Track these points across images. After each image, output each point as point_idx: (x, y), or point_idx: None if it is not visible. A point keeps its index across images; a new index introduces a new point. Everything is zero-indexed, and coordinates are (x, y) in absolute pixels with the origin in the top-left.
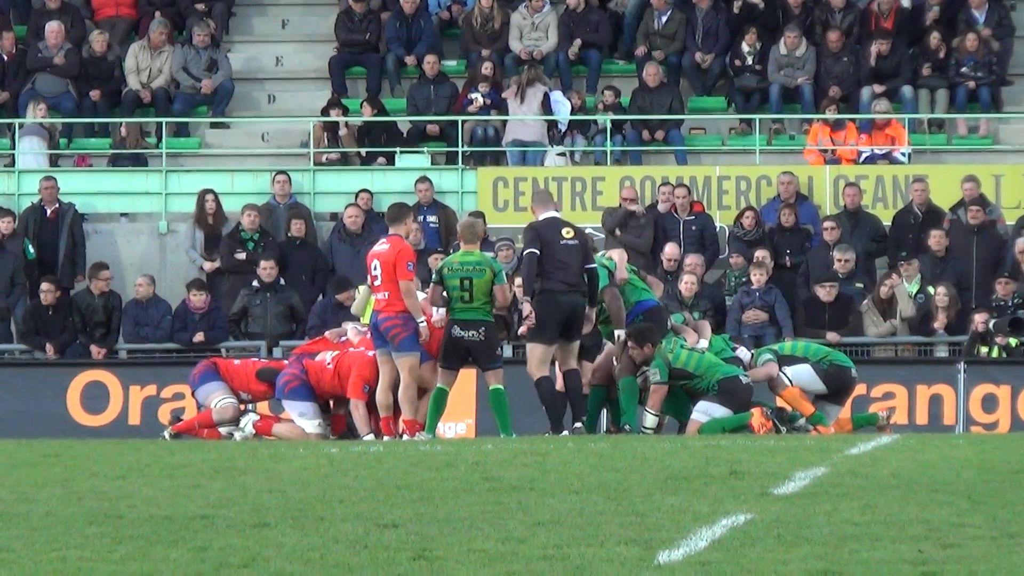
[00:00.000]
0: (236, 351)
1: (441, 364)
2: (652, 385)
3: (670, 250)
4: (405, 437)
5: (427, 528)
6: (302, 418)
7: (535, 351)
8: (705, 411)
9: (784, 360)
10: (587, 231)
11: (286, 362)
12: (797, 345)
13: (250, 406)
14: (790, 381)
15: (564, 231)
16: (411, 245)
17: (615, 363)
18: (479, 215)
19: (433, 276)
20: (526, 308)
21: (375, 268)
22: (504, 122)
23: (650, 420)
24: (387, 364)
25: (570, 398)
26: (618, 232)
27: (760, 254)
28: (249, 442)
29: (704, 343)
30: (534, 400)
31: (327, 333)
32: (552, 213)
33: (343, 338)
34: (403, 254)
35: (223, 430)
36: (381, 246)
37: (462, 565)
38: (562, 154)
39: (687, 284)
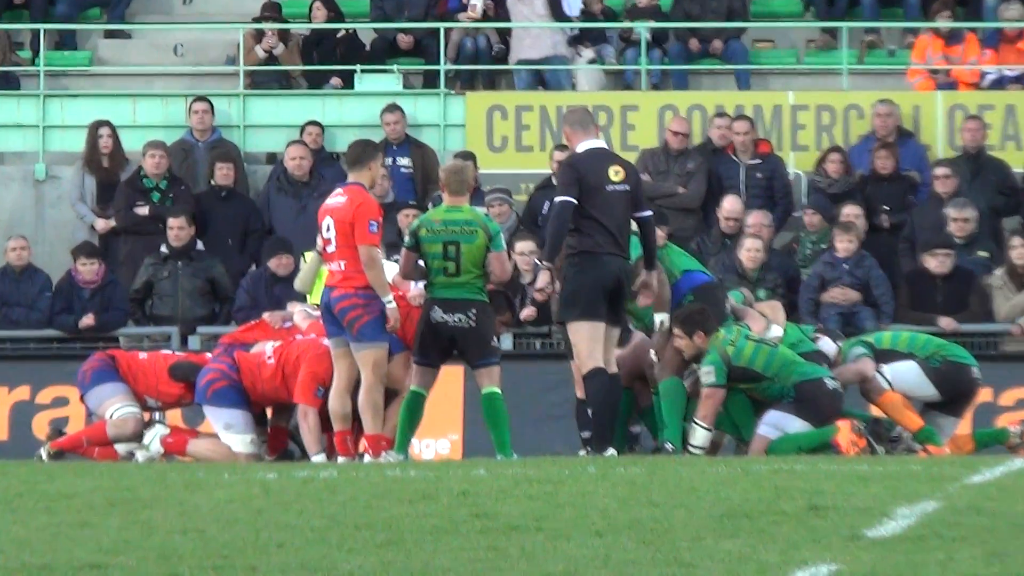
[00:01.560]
0: (138, 340)
1: (416, 359)
2: (704, 389)
3: (729, 205)
4: (367, 458)
5: None
6: (228, 431)
7: (581, 331)
8: (776, 424)
9: (882, 355)
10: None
11: (209, 355)
12: (900, 336)
13: (157, 415)
14: (889, 384)
15: (612, 171)
16: (376, 197)
17: (653, 358)
18: (468, 157)
19: (406, 239)
20: (543, 278)
21: (327, 228)
22: (504, 33)
23: (701, 436)
24: (343, 359)
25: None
26: (646, 177)
27: (849, 211)
28: (156, 464)
29: (777, 331)
30: (542, 408)
31: (266, 316)
32: (595, 142)
33: (288, 323)
34: (364, 209)
35: (121, 448)
36: (336, 198)
37: None
38: (592, 61)
39: (750, 252)
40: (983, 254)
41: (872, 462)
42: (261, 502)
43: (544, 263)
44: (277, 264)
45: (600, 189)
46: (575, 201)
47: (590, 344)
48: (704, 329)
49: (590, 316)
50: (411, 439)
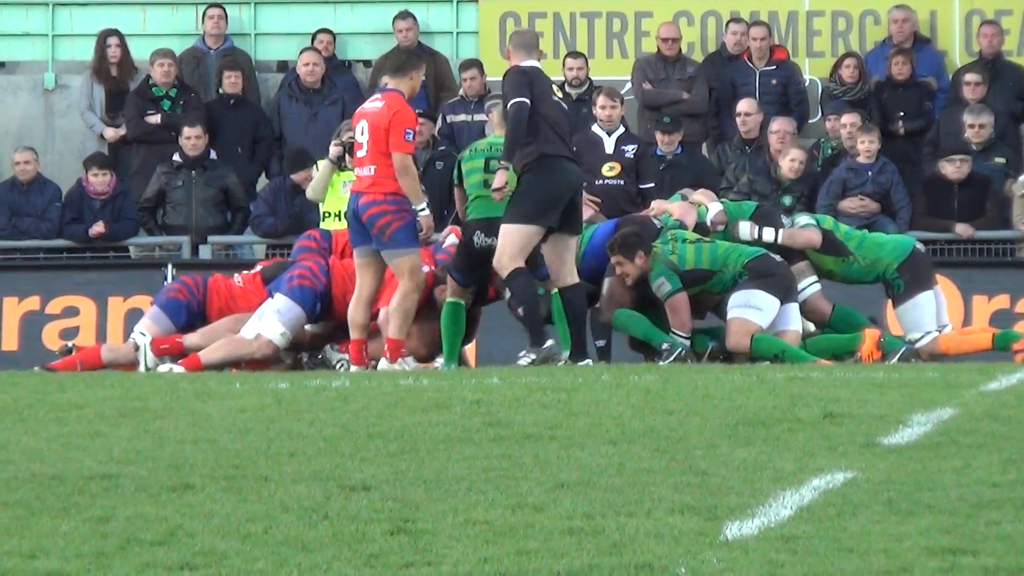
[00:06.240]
0: (150, 249)
1: (458, 278)
2: (666, 302)
3: (745, 107)
4: (384, 362)
5: (409, 492)
6: (275, 315)
7: (518, 234)
8: (745, 303)
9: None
10: (614, 89)
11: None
12: (839, 226)
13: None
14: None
15: (554, 87)
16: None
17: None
18: (475, 65)
19: (454, 177)
20: (500, 178)
21: (361, 132)
22: None
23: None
24: (368, 268)
25: (571, 325)
26: (648, 85)
27: (847, 119)
28: (167, 375)
29: (717, 206)
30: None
31: None
32: (535, 63)
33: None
34: (401, 117)
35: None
36: (373, 103)
37: (457, 541)
38: None
39: (794, 162)
40: (1000, 160)
41: (888, 369)
42: (273, 411)
43: (502, 163)
44: (304, 178)
45: (548, 98)
46: (529, 102)
47: (520, 249)
48: (643, 248)
49: (536, 220)
50: (459, 347)
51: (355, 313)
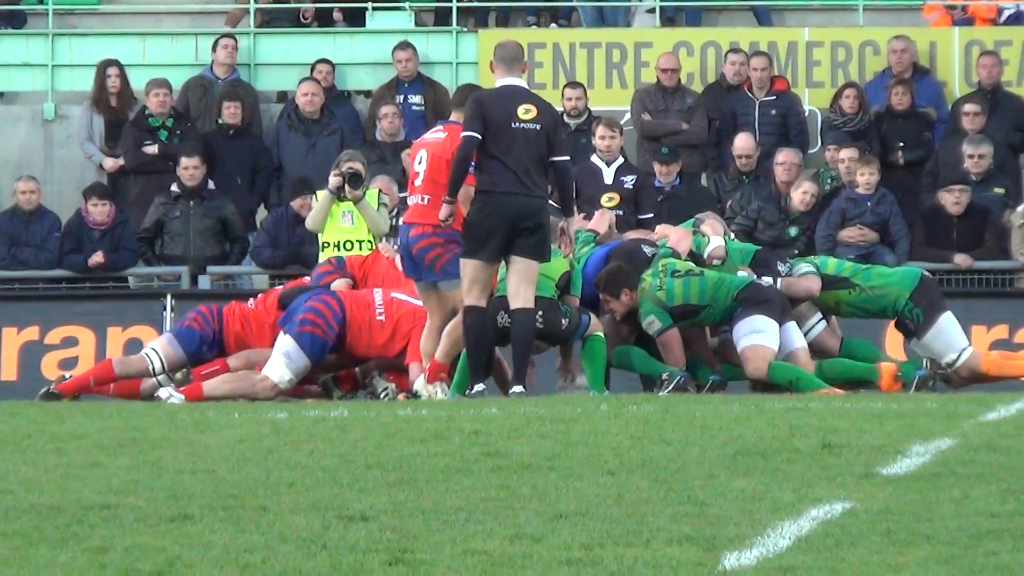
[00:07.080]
0: (148, 280)
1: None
2: (658, 339)
3: (741, 143)
4: (421, 380)
5: (408, 522)
6: (284, 358)
7: (465, 268)
8: (752, 329)
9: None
10: (613, 119)
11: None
12: (844, 264)
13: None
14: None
15: (522, 109)
16: (386, 136)
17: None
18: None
19: None
20: (443, 211)
21: (420, 161)
22: None
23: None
24: (431, 299)
25: (513, 349)
26: (647, 116)
27: (845, 154)
28: (166, 405)
29: (717, 240)
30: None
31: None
32: (513, 80)
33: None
34: None
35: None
36: (435, 134)
37: (455, 572)
38: (651, 11)
39: (806, 194)
40: (999, 191)
41: (887, 400)
42: (271, 441)
43: (446, 198)
44: (302, 205)
45: (505, 127)
46: (478, 136)
47: (469, 283)
48: (627, 285)
49: (473, 255)
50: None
51: (426, 343)
